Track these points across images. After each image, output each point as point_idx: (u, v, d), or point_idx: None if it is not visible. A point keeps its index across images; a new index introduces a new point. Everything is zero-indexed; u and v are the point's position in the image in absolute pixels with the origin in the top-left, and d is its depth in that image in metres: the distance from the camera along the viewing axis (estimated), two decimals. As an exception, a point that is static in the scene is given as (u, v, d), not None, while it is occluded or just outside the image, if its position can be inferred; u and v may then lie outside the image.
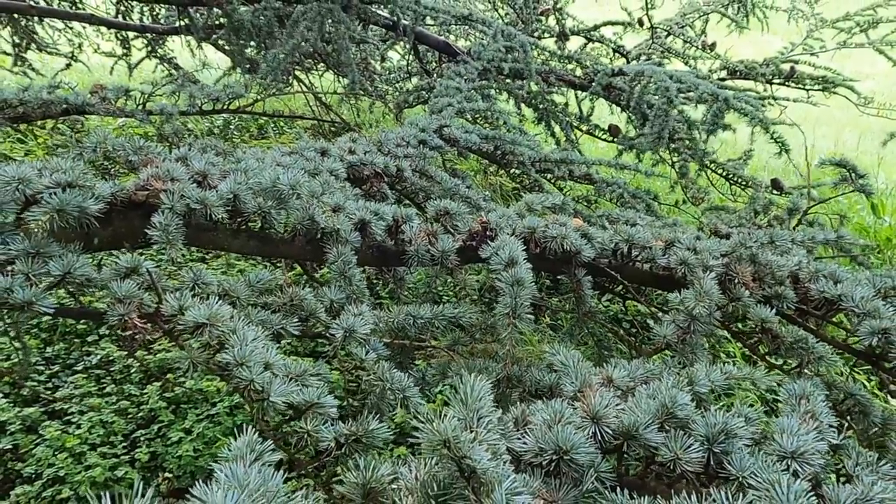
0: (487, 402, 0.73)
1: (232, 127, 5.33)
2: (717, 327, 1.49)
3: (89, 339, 2.85)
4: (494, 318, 1.25)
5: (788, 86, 3.77)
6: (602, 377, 1.01)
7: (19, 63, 4.67)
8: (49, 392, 2.50)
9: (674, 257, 1.47)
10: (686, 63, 4.13)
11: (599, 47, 4.32)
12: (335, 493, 0.76)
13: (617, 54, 4.24)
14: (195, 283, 1.12)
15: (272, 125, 5.40)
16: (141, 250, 1.38)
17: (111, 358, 2.74)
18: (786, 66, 3.76)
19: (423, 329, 1.27)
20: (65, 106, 1.91)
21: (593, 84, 3.49)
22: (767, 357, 1.45)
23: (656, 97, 3.07)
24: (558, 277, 1.73)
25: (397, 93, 4.51)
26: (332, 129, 4.81)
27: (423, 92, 3.68)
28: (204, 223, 1.29)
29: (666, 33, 4.18)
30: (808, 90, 3.69)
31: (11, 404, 2.42)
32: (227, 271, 3.36)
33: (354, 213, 1.41)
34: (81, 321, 2.92)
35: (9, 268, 1.00)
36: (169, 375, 2.63)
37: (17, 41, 4.67)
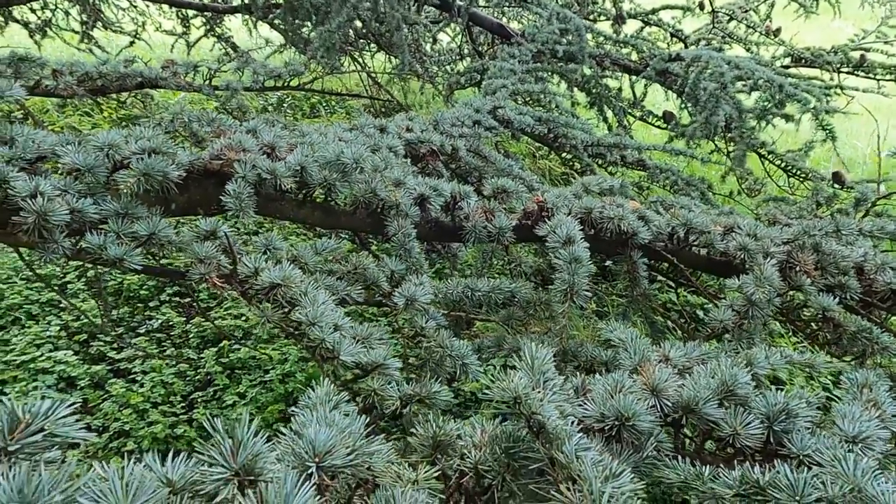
0: (551, 367, 0.76)
1: (285, 105, 5.44)
2: (773, 317, 1.47)
3: (151, 304, 3.00)
4: (550, 295, 1.27)
5: (857, 75, 3.60)
6: (659, 355, 1.02)
7: (86, 40, 4.88)
8: (115, 352, 2.66)
9: (733, 243, 1.45)
10: (748, 49, 3.99)
11: (657, 31, 4.21)
12: (399, 446, 0.81)
13: (675, 39, 4.13)
14: (267, 247, 1.18)
15: (324, 104, 5.49)
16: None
17: (171, 323, 2.88)
18: (856, 54, 3.59)
19: (479, 303, 1.30)
20: (139, 79, 2.02)
21: (647, 69, 3.42)
22: (827, 347, 1.42)
23: (710, 82, 2.99)
24: (605, 264, 1.73)
25: (447, 75, 4.52)
26: (383, 109, 4.86)
27: (475, 74, 3.68)
28: (272, 193, 1.34)
29: (728, 18, 4.05)
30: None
31: (81, 361, 2.58)
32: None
33: (414, 189, 1.44)
34: (143, 287, 3.08)
35: (101, 227, 1.08)
36: (224, 342, 2.75)
37: (84, 19, 4.89)
